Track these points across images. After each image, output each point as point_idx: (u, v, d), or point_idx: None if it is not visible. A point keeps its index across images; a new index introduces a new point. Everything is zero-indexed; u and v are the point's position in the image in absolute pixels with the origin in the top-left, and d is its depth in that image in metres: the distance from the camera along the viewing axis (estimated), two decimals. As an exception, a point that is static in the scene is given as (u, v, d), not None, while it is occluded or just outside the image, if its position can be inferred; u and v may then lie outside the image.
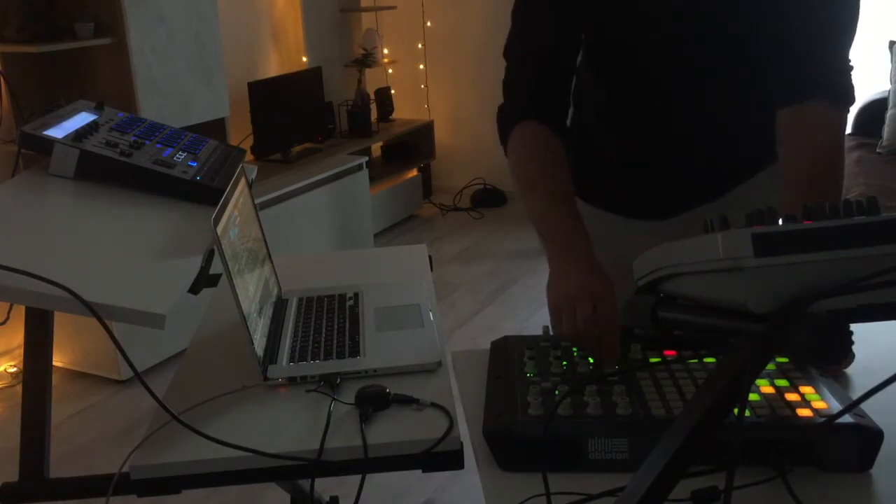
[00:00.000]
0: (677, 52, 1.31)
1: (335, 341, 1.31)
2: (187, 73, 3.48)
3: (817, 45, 1.24)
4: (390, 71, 5.43)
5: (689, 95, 1.35)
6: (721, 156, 1.41)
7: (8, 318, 1.29)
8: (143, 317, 1.09)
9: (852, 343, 0.66)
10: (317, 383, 1.20)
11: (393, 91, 5.31)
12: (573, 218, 1.26)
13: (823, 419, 0.96)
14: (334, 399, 1.15)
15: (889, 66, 4.25)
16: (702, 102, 1.35)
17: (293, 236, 3.94)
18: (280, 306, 1.45)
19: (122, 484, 1.05)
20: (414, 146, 5.25)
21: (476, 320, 3.74)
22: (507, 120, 1.38)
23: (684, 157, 1.41)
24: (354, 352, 1.27)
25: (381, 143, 5.17)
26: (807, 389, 1.02)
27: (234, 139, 3.95)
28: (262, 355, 1.23)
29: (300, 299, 1.48)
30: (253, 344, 1.20)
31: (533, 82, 1.36)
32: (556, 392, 1.05)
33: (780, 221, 0.71)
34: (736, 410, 0.73)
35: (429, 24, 5.34)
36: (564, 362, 1.12)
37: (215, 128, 3.60)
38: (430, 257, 1.70)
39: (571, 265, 1.19)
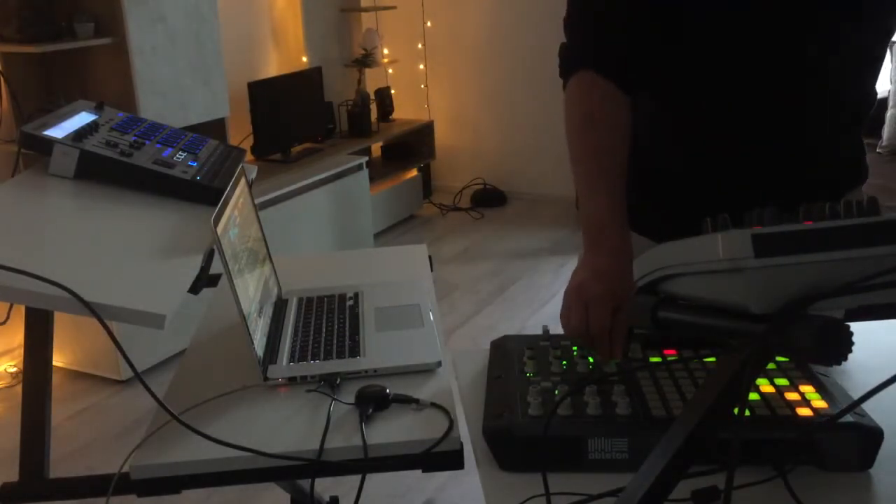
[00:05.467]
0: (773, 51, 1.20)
1: (335, 341, 1.31)
2: (187, 72, 3.48)
3: None
4: (390, 71, 5.43)
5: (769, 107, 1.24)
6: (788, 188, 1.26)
7: (8, 318, 1.29)
8: (143, 317, 1.09)
9: (852, 344, 0.66)
10: (317, 383, 1.20)
11: (393, 91, 5.31)
12: (612, 208, 1.16)
13: (823, 418, 0.96)
14: (334, 399, 1.15)
15: (889, 65, 4.25)
16: (788, 117, 1.25)
17: (293, 236, 3.94)
18: (280, 306, 1.45)
19: (122, 484, 1.05)
20: (414, 146, 5.25)
21: (476, 320, 3.74)
22: (569, 61, 1.27)
23: (749, 182, 1.28)
24: (354, 352, 1.27)
25: (381, 143, 5.17)
26: (807, 388, 1.02)
27: (234, 139, 3.95)
28: (262, 355, 1.23)
29: (300, 299, 1.47)
30: (253, 344, 1.20)
31: (610, 28, 1.22)
32: (556, 392, 1.05)
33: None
34: (736, 410, 0.73)
35: (429, 24, 5.34)
36: (564, 362, 1.12)
37: (215, 128, 3.60)
38: (430, 257, 1.70)
39: (597, 265, 1.11)
